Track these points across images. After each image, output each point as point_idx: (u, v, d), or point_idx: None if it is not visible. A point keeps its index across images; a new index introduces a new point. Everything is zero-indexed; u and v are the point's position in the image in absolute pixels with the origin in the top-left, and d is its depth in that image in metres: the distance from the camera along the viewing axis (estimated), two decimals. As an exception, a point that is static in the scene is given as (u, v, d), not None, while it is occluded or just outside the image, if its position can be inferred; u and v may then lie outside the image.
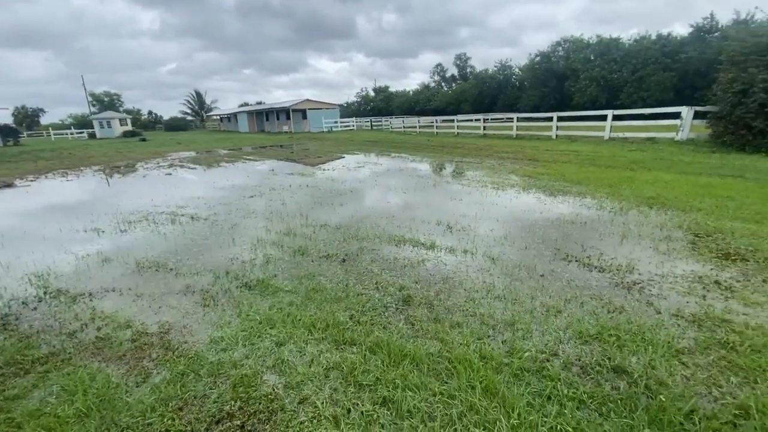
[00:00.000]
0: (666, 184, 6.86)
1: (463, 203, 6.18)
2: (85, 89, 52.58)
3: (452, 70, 61.86)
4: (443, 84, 62.95)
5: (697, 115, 12.51)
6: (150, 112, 70.12)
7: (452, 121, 24.88)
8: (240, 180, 9.58)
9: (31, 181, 11.04)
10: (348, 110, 66.44)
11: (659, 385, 2.01)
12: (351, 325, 2.67)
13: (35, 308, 3.20)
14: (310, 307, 2.94)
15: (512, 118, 19.73)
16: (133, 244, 4.78)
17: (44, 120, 63.31)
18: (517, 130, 19.18)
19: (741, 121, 10.38)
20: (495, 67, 49.17)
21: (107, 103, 63.50)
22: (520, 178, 8.22)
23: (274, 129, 39.48)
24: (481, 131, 21.59)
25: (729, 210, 5.08)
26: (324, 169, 10.92)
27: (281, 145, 21.23)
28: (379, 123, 39.11)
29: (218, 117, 57.78)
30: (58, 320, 2.98)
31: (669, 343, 2.35)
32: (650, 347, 2.30)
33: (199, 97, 66.29)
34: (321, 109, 37.63)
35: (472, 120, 26.28)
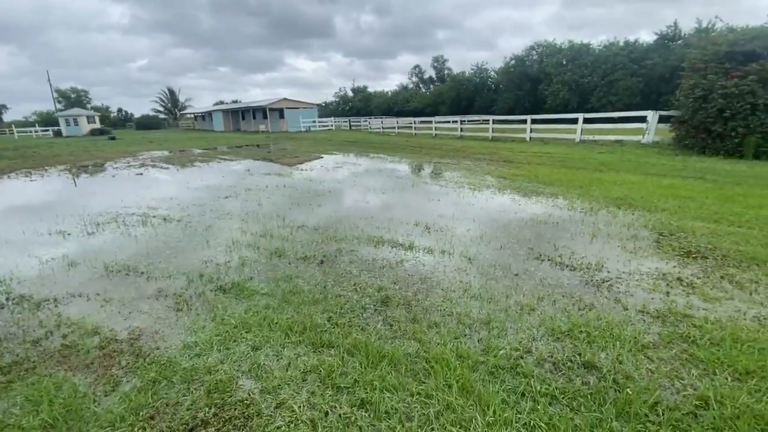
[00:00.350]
0: (633, 185, 7.17)
1: (441, 204, 6.25)
2: (50, 85, 49.85)
3: (430, 72, 62.57)
4: (421, 85, 63.53)
5: (661, 119, 13.15)
6: (120, 110, 67.54)
7: (430, 122, 25.12)
8: (215, 180, 9.35)
9: (-12, 180, 10.40)
10: (326, 110, 65.98)
11: (626, 379, 2.10)
12: (329, 328, 2.66)
13: (-7, 316, 3.03)
14: (287, 310, 2.90)
15: (488, 120, 20.11)
16: (102, 247, 4.59)
17: (7, 117, 60.00)
18: (492, 132, 19.56)
19: (701, 126, 10.97)
20: (472, 69, 50.07)
21: (74, 99, 60.63)
22: (496, 179, 8.40)
23: (251, 128, 38.73)
24: (459, 133, 21.90)
25: (690, 210, 5.36)
26: (302, 170, 10.81)
27: (258, 145, 20.86)
28: (358, 123, 39.04)
29: (192, 115, 56.17)
30: (22, 327, 2.82)
31: (635, 338, 2.46)
32: (618, 343, 2.40)
33: (171, 94, 64.23)
34: (299, 108, 37.20)
35: (449, 122, 26.62)
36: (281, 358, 2.32)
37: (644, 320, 2.69)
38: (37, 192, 8.78)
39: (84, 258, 4.21)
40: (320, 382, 2.11)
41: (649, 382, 2.08)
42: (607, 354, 2.31)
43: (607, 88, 34.07)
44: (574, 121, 15.66)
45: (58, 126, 41.70)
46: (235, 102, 58.04)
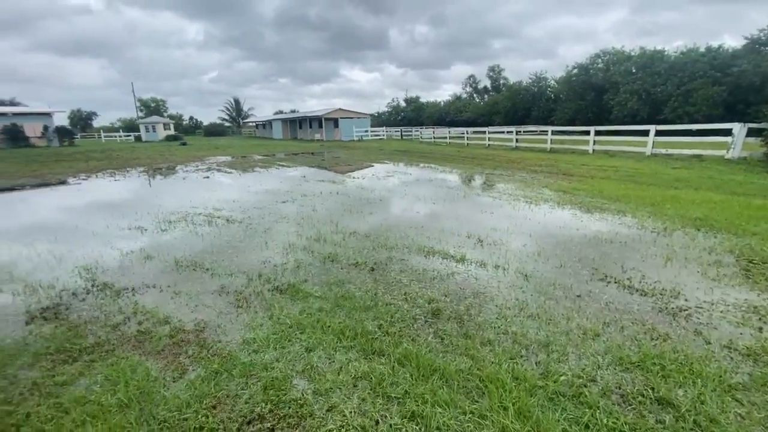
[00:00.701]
0: (715, 204, 6.45)
1: (494, 216, 6.06)
2: (134, 95, 56.21)
3: (485, 82, 61.44)
4: (475, 95, 62.55)
5: (750, 133, 11.75)
6: (191, 118, 73.76)
7: (483, 132, 24.61)
8: (273, 185, 9.86)
9: (83, 179, 11.83)
10: (378, 120, 67.23)
11: (710, 422, 1.87)
12: (380, 335, 2.66)
13: (83, 300, 3.40)
14: (339, 314, 2.96)
15: (546, 131, 19.27)
16: (173, 243, 5.00)
17: (96, 123, 68.04)
18: (551, 143, 18.70)
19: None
20: (530, 78, 48.34)
21: (153, 108, 67.48)
22: (555, 192, 7.98)
23: (307, 137, 40.49)
24: (513, 144, 21.21)
25: (788, 235, 4.70)
26: (354, 177, 11.06)
27: (312, 153, 21.72)
28: (409, 133, 39.30)
29: (254, 123, 59.99)
30: (104, 312, 3.15)
31: (720, 377, 2.18)
32: (699, 380, 2.15)
33: (237, 104, 69.23)
34: (352, 118, 38.29)
35: (504, 132, 25.88)
36: (333, 362, 2.36)
37: (731, 357, 2.38)
38: (119, 190, 9.83)
39: (158, 252, 4.61)
40: (371, 389, 2.11)
41: (738, 428, 1.83)
42: (686, 391, 2.07)
43: (684, 98, 31.18)
44: (644, 133, 14.51)
45: (139, 132, 46.54)
46: (293, 111, 61.12)
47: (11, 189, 10.45)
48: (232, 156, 20.02)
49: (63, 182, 11.29)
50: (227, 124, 68.64)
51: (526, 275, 3.71)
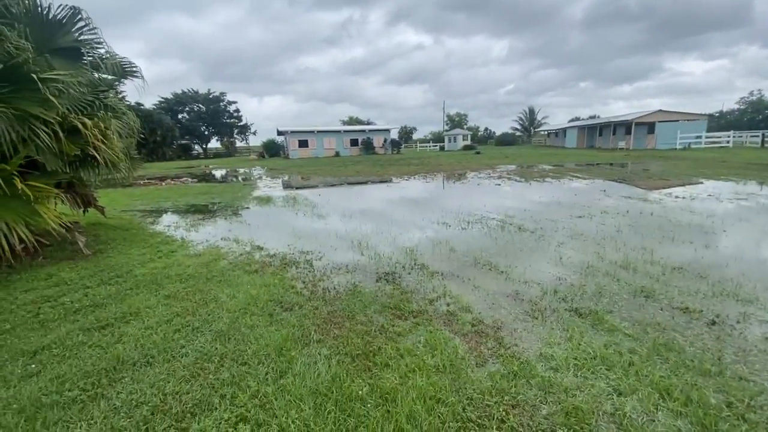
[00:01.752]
0: None
1: None
2: (443, 111, 67.45)
3: None
4: None
5: None
6: (486, 129, 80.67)
7: None
8: (566, 197, 9.26)
9: (405, 179, 15.32)
10: (721, 122, 49.95)
11: None
12: (729, 416, 1.95)
13: (409, 273, 4.38)
14: (659, 366, 2.39)
15: None
16: (471, 241, 5.62)
17: (415, 136, 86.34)
18: None
19: None
20: None
21: (456, 122, 78.55)
22: None
23: (607, 145, 35.53)
24: None
25: None
26: (675, 196, 8.71)
27: (611, 164, 18.82)
28: (779, 139, 26.80)
29: (545, 132, 58.57)
30: (423, 287, 3.92)
31: None
32: None
33: (531, 113, 69.72)
34: (677, 121, 30.20)
35: None
36: (654, 422, 1.93)
37: None
38: (428, 190, 12.03)
39: (459, 247, 5.30)
40: (718, 485, 1.57)
41: None
42: None
43: None
44: None
45: (443, 142, 55.36)
46: (593, 117, 55.12)
47: (365, 183, 14.95)
48: (521, 165, 20.35)
49: (386, 181, 15.08)
50: (518, 133, 70.48)
51: None
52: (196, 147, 55.78)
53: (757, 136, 28.45)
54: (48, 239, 5.65)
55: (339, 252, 5.28)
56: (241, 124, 58.66)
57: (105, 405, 2.21)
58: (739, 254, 4.59)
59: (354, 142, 42.95)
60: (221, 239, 6.20)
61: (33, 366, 2.64)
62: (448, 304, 3.48)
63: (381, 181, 15.04)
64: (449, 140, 53.20)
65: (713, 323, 2.92)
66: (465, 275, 4.21)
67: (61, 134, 5.00)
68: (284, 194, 12.17)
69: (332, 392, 2.22)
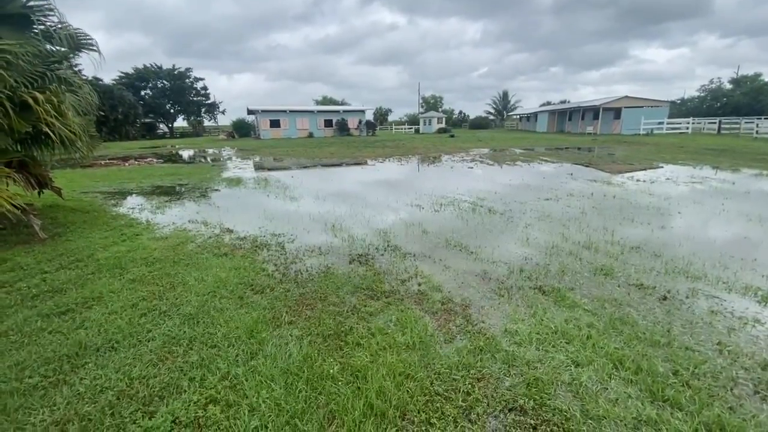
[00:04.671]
0: None
1: None
2: (419, 94, 67.20)
3: None
4: None
5: None
6: (460, 112, 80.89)
7: None
8: (535, 180, 9.53)
9: (379, 162, 15.25)
10: (682, 109, 52.26)
11: None
12: (674, 383, 2.12)
13: (382, 255, 4.41)
14: (614, 339, 2.56)
15: None
16: (443, 223, 5.71)
17: (390, 117, 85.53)
18: None
19: None
20: None
21: (431, 104, 78.31)
22: None
23: (576, 130, 36.59)
24: None
25: None
26: (636, 180, 9.15)
27: (579, 148, 19.46)
28: (736, 126, 28.48)
29: (517, 116, 59.52)
30: (395, 268, 3.98)
31: None
32: None
33: (504, 97, 70.45)
34: (641, 107, 31.41)
35: None
36: (607, 389, 2.07)
37: None
38: (402, 172, 12.05)
39: (432, 229, 5.38)
40: (659, 443, 1.73)
41: None
42: None
43: None
44: None
45: (419, 125, 55.26)
46: (563, 102, 56.37)
47: (339, 165, 14.78)
48: (493, 149, 20.67)
49: (361, 163, 14.98)
50: (491, 117, 71.22)
51: None
52: (162, 126, 53.03)
53: (714, 122, 30.05)
54: (1, 222, 5.30)
55: (312, 234, 5.25)
56: (209, 102, 56.08)
57: (68, 391, 2.14)
58: (690, 234, 4.91)
59: (328, 123, 42.13)
60: (189, 222, 6.01)
61: (-14, 354, 2.51)
62: (419, 284, 3.55)
63: (356, 164, 14.91)
64: (424, 123, 53.15)
65: (664, 298, 3.14)
66: (436, 256, 4.29)
67: (9, 109, 4.63)
68: (255, 176, 11.86)
69: (303, 372, 2.25)
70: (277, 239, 5.01)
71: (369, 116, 46.47)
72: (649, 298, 3.14)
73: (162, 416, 1.92)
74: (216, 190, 9.33)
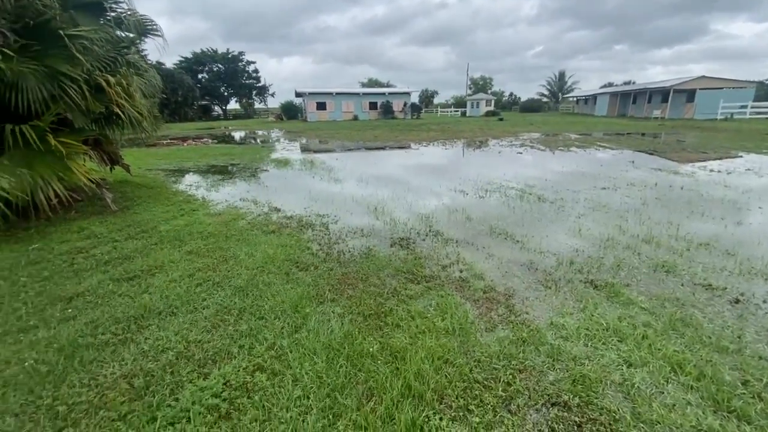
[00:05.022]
0: None
1: None
2: (467, 75, 64.65)
3: None
4: None
5: None
6: (511, 94, 77.18)
7: None
8: (590, 168, 8.92)
9: (423, 146, 15.01)
10: (770, 90, 46.16)
11: None
12: (742, 393, 1.93)
13: (424, 239, 4.38)
14: (674, 341, 2.36)
15: None
16: (488, 210, 5.54)
17: (436, 100, 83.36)
18: None
19: None
20: None
21: (480, 86, 75.28)
22: None
23: (641, 114, 33.61)
24: None
25: None
26: (709, 170, 8.26)
27: (643, 134, 17.87)
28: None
29: (574, 99, 55.71)
30: (436, 253, 3.93)
31: None
32: None
33: (560, 78, 66.04)
34: (720, 88, 28.08)
35: None
36: (664, 394, 1.93)
37: None
38: (447, 157, 11.78)
39: (476, 215, 5.24)
40: (721, 456, 1.59)
41: None
42: None
43: None
44: None
45: (465, 108, 53.48)
46: (627, 83, 51.81)
47: (383, 148, 14.75)
48: (546, 133, 19.57)
49: (405, 147, 14.79)
50: (545, 99, 67.23)
51: None
52: (216, 108, 55.76)
53: (811, 107, 26.21)
54: (79, 194, 5.89)
55: (355, 216, 5.31)
56: (260, 85, 57.92)
57: (134, 349, 2.37)
58: (772, 232, 4.38)
59: (373, 106, 42.06)
60: (240, 200, 6.32)
61: (69, 311, 2.84)
62: (461, 271, 3.49)
63: (400, 147, 14.80)
64: (471, 105, 51.38)
65: (737, 301, 2.84)
66: (479, 243, 4.18)
67: (86, 92, 5.07)
68: (302, 157, 12.18)
69: (344, 348, 2.31)
70: (321, 220, 5.13)
71: (414, 98, 45.71)
72: (717, 300, 2.86)
73: (215, 378, 2.07)
74: (265, 170, 9.71)
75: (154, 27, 6.47)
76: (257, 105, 60.42)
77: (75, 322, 2.68)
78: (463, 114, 52.27)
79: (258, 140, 20.15)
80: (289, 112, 44.10)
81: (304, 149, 14.98)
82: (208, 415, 1.82)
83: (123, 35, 6.36)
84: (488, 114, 47.03)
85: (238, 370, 2.14)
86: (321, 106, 39.98)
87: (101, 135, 6.36)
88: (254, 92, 58.57)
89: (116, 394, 1.98)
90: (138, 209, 5.69)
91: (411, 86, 49.93)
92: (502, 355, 2.25)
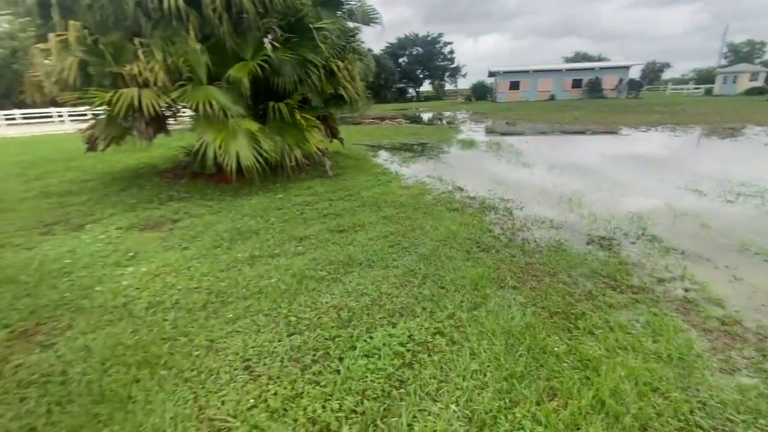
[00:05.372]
0: None
1: None
2: (723, 40, 48.44)
3: None
4: None
5: None
6: (796, 64, 54.09)
7: None
8: None
9: (642, 131, 12.25)
10: None
11: None
12: None
13: (633, 243, 3.66)
14: None
15: None
16: (738, 219, 4.17)
17: (666, 75, 65.96)
18: None
19: None
20: None
21: (743, 54, 55.43)
22: None
23: None
24: None
25: None
26: None
27: None
28: None
29: None
30: (650, 262, 3.22)
31: None
32: None
33: None
34: None
35: None
36: None
37: None
38: (674, 147, 9.29)
39: (717, 224, 4.02)
40: None
41: None
42: None
43: None
44: None
45: (712, 84, 40.59)
46: None
47: (583, 132, 12.84)
48: None
49: (619, 132, 12.32)
50: None
51: None
52: (410, 90, 59.97)
53: None
54: (309, 160, 7.45)
55: (543, 205, 4.89)
56: (453, 66, 58.81)
57: (341, 288, 2.88)
58: None
59: (576, 83, 36.89)
60: (427, 176, 6.70)
61: (300, 248, 3.67)
62: (686, 290, 2.77)
63: (606, 132, 12.63)
64: (724, 80, 38.84)
65: None
66: (721, 260, 3.20)
67: (322, 75, 6.25)
68: (488, 139, 11.89)
69: (525, 338, 2.20)
70: (505, 204, 4.94)
71: (634, 74, 37.71)
72: None
73: (401, 329, 2.32)
74: (450, 150, 9.96)
75: (376, 16, 7.33)
76: (447, 86, 61.88)
77: (303, 257, 3.45)
78: (708, 92, 40.10)
79: (444, 121, 20.76)
80: (478, 93, 43.44)
81: (490, 131, 14.57)
82: (395, 359, 2.07)
83: (351, 25, 7.47)
84: (752, 92, 34.53)
85: (421, 329, 2.32)
86: (514, 86, 37.70)
87: (327, 112, 7.77)
88: (447, 74, 60.04)
89: (328, 320, 2.47)
90: (346, 176, 6.77)
91: (630, 59, 41.22)
92: (744, 407, 1.70)
